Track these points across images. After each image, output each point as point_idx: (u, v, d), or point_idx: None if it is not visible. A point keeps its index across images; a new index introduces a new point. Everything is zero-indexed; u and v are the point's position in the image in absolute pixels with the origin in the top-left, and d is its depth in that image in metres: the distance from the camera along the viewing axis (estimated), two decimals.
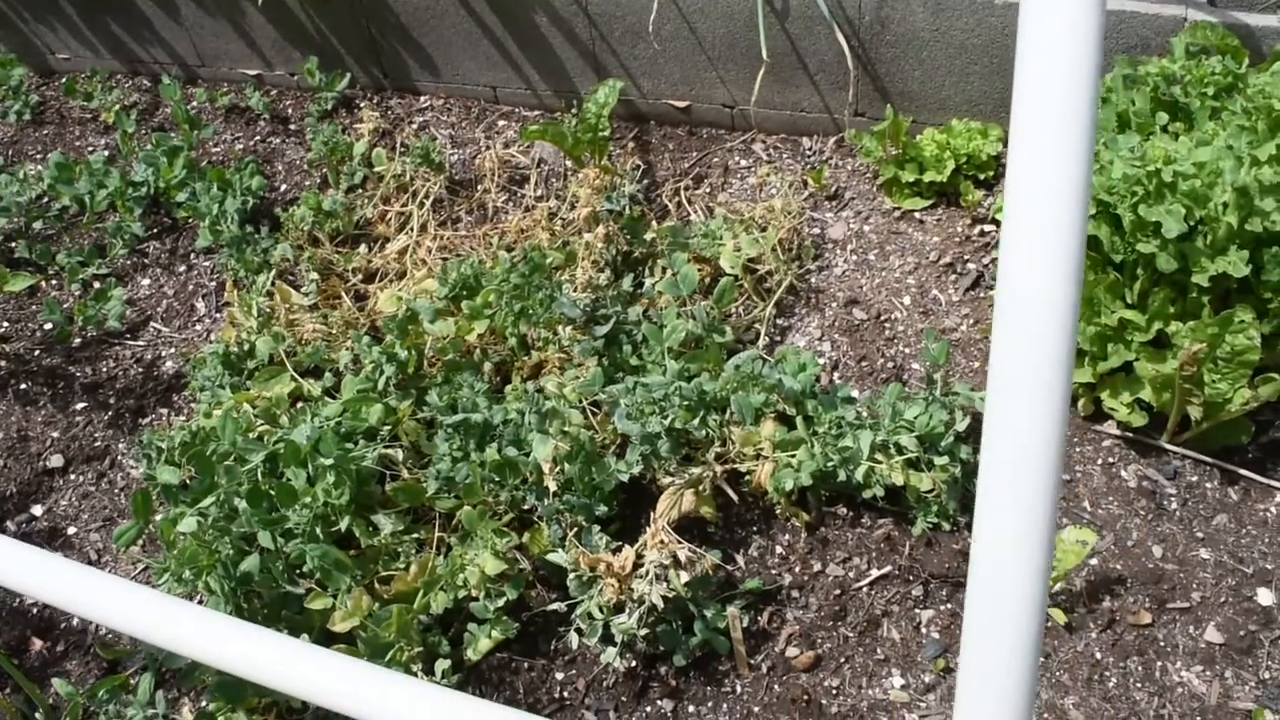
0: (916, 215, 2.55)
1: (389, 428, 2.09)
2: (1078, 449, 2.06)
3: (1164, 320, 1.90)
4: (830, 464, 1.92)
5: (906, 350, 2.29)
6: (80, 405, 2.56)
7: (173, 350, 2.63)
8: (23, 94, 3.40)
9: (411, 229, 2.67)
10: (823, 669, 1.87)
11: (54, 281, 2.88)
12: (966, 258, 2.43)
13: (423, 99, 3.14)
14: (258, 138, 3.16)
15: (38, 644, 2.14)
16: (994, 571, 0.63)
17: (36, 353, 2.70)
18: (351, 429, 2.05)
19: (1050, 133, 0.64)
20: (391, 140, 3.00)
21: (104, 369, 2.63)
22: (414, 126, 3.06)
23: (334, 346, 2.37)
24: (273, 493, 1.91)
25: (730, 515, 2.05)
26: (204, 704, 1.88)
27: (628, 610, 1.81)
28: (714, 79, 2.75)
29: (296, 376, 2.30)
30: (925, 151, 2.49)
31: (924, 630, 1.89)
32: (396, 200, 2.77)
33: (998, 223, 2.45)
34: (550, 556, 1.89)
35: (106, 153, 3.16)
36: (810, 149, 2.76)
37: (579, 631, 1.85)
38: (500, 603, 1.86)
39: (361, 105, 3.11)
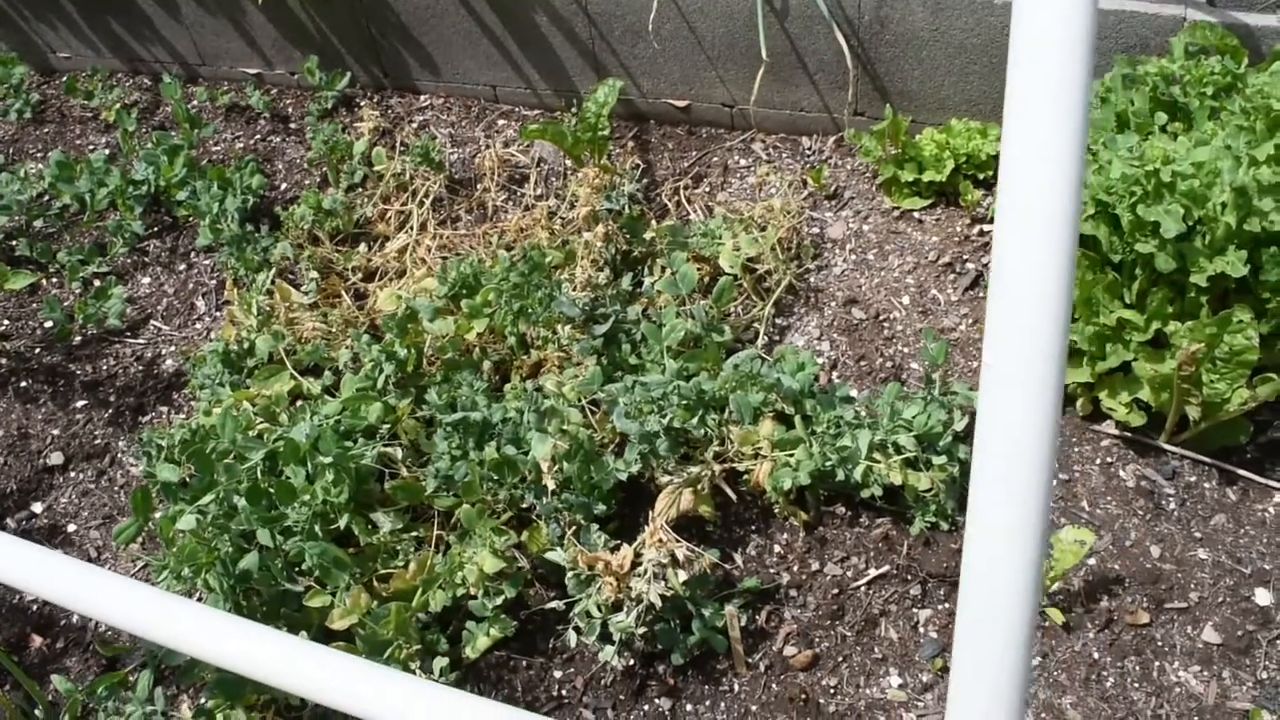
0: (915, 215, 2.55)
1: (388, 426, 2.10)
2: (1076, 449, 2.07)
3: (1162, 320, 1.91)
4: (828, 463, 1.92)
5: (905, 350, 2.29)
6: (80, 403, 2.57)
7: (173, 348, 2.64)
8: (24, 92, 3.41)
9: (411, 228, 2.68)
10: (820, 668, 1.87)
11: (54, 279, 2.88)
12: (965, 257, 2.43)
13: (423, 98, 3.14)
14: (258, 136, 3.17)
15: (37, 641, 2.14)
16: (988, 565, 0.64)
17: (37, 350, 2.71)
18: (351, 427, 2.05)
19: (1043, 121, 0.64)
20: (391, 139, 3.00)
21: (104, 367, 2.63)
22: (414, 125, 3.06)
23: (333, 345, 2.37)
24: (272, 490, 1.91)
25: (728, 514, 2.06)
26: (203, 701, 1.89)
27: (626, 609, 1.81)
28: (713, 78, 2.75)
29: (296, 375, 2.30)
30: (924, 151, 2.49)
31: (922, 629, 1.89)
32: (396, 199, 2.77)
33: None
34: (549, 555, 1.89)
35: (107, 151, 3.16)
36: (810, 148, 2.77)
37: (577, 630, 1.86)
38: (498, 601, 1.86)
39: (362, 104, 3.12)
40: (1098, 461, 2.04)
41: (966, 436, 1.98)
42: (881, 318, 2.36)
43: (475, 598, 1.87)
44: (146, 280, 2.83)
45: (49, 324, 2.74)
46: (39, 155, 3.27)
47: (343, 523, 1.92)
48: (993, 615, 0.65)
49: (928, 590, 1.93)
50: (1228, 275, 1.80)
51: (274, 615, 1.90)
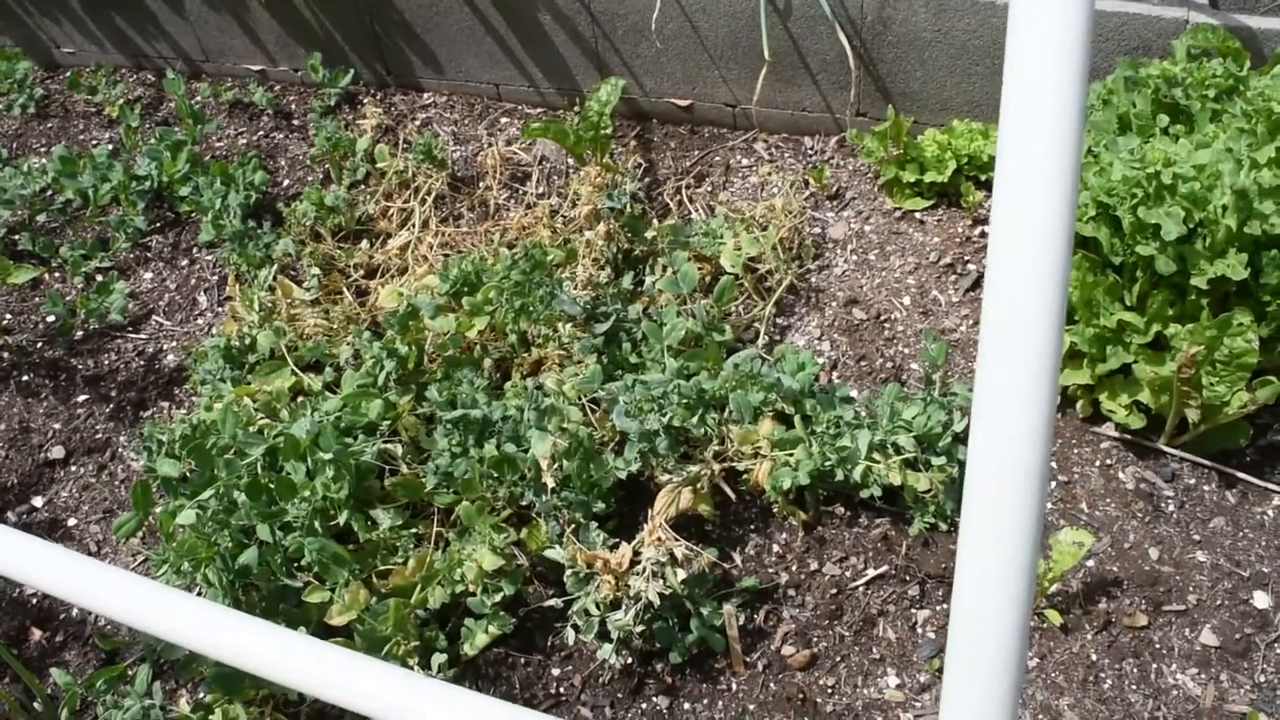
0: (917, 216, 2.55)
1: (389, 423, 2.10)
2: (1075, 450, 2.07)
3: (1163, 322, 1.91)
4: (828, 463, 1.93)
5: (906, 350, 2.29)
6: (82, 398, 2.57)
7: (174, 344, 2.64)
8: (27, 87, 3.41)
9: (413, 225, 2.68)
10: (818, 668, 1.87)
11: (57, 274, 2.89)
12: (967, 258, 2.43)
13: (426, 96, 3.14)
14: (261, 133, 3.17)
15: (37, 634, 2.15)
16: (982, 564, 0.64)
17: (39, 345, 2.71)
18: (351, 424, 2.06)
19: (1039, 121, 0.64)
20: (394, 136, 3.01)
21: (106, 362, 2.64)
22: (417, 123, 3.06)
23: (335, 341, 2.38)
24: (272, 486, 1.91)
25: (728, 513, 2.06)
26: (201, 695, 1.89)
27: (624, 607, 1.81)
28: (716, 78, 2.75)
29: (297, 371, 2.31)
30: (926, 152, 2.49)
31: (920, 630, 1.89)
32: (399, 196, 2.77)
33: None
34: (548, 553, 1.89)
35: (110, 147, 3.16)
36: (812, 148, 2.77)
37: (575, 628, 1.86)
38: (497, 598, 1.87)
39: (365, 101, 3.12)
40: (1097, 463, 2.04)
41: (966, 437, 1.97)
42: (882, 318, 2.37)
43: (474, 595, 1.87)
44: (149, 275, 2.83)
45: (51, 318, 2.75)
46: (42, 150, 3.27)
47: (342, 519, 1.93)
48: (987, 615, 0.65)
49: (926, 591, 1.93)
50: (1228, 278, 1.80)
51: (273, 611, 1.90)
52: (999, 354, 0.64)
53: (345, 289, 2.55)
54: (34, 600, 2.20)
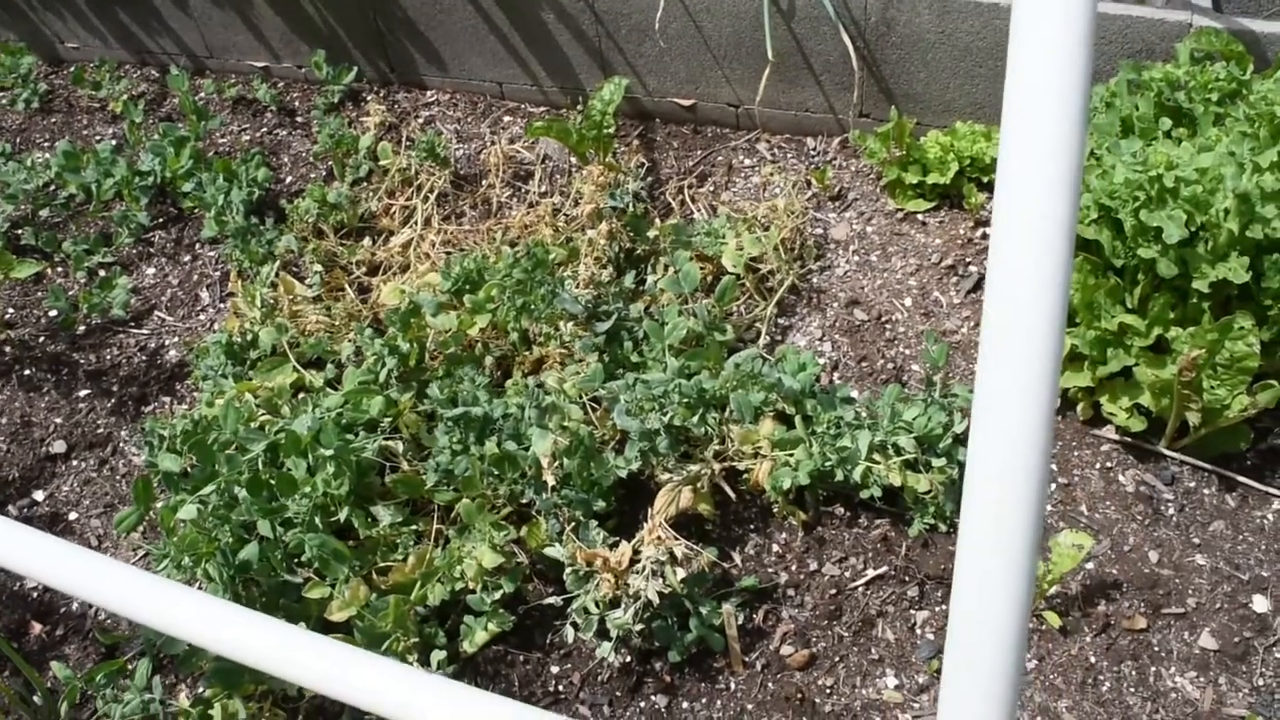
0: (919, 217, 2.55)
1: (389, 420, 2.10)
2: (1076, 453, 2.07)
3: (1164, 325, 1.91)
4: (828, 464, 1.93)
5: (907, 351, 2.29)
6: (83, 392, 2.58)
7: (176, 339, 2.65)
8: (31, 82, 3.42)
9: (415, 223, 2.68)
10: (817, 668, 1.87)
11: (59, 269, 2.89)
12: (968, 260, 2.43)
13: (429, 94, 3.15)
14: (264, 129, 3.17)
15: (37, 628, 2.15)
16: (980, 566, 0.64)
17: (41, 339, 2.72)
18: (352, 420, 2.06)
19: (1041, 123, 0.64)
20: (397, 134, 3.01)
21: (108, 357, 2.64)
22: (420, 121, 3.06)
23: (336, 338, 2.38)
24: (273, 482, 1.92)
25: (728, 513, 2.06)
26: (201, 689, 1.90)
27: (624, 605, 1.81)
28: (719, 78, 2.75)
29: (298, 367, 2.31)
30: (929, 153, 2.49)
31: (919, 631, 1.90)
32: (401, 194, 2.78)
33: None
34: (547, 551, 1.89)
35: (114, 142, 3.16)
36: (814, 149, 2.77)
37: (575, 626, 1.86)
38: (497, 596, 1.87)
39: (368, 99, 3.12)
40: (1097, 466, 2.05)
41: (966, 439, 1.98)
42: (883, 319, 2.37)
43: (474, 592, 1.87)
44: (151, 271, 2.84)
45: (53, 313, 2.75)
46: (46, 145, 3.28)
47: (343, 515, 1.93)
48: (986, 617, 0.65)
49: (925, 592, 1.94)
50: (1230, 281, 1.80)
51: (273, 606, 1.90)
52: (1000, 356, 0.64)
53: (347, 286, 2.55)
54: (34, 594, 2.21)
